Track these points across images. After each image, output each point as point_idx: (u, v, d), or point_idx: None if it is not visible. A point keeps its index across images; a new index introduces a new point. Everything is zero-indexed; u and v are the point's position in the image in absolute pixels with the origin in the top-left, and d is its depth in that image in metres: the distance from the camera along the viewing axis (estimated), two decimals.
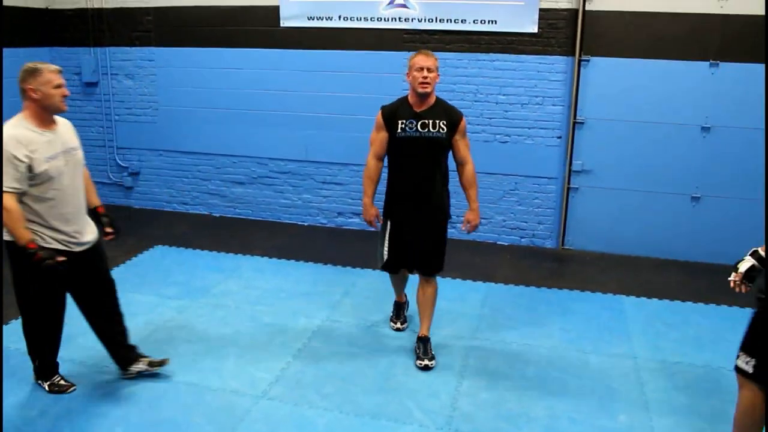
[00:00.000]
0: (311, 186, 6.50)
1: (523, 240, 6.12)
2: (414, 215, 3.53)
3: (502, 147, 5.93)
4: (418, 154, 3.42)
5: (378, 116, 3.48)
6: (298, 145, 6.42)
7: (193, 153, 6.75)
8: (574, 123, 5.73)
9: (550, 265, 5.59)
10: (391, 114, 3.43)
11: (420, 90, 3.34)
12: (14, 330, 3.90)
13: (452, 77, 5.89)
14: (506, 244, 6.11)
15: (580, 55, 5.57)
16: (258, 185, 6.66)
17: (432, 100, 3.44)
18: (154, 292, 4.78)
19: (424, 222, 3.56)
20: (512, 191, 6.02)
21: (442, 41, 5.87)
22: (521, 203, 6.04)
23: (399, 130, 3.40)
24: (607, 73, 5.59)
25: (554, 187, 5.93)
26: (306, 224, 6.53)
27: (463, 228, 3.61)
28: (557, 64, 5.67)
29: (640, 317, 4.54)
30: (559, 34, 5.61)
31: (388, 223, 3.63)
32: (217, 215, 6.83)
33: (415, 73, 3.34)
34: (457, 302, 4.70)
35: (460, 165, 3.54)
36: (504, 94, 5.85)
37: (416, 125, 3.38)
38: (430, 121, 3.38)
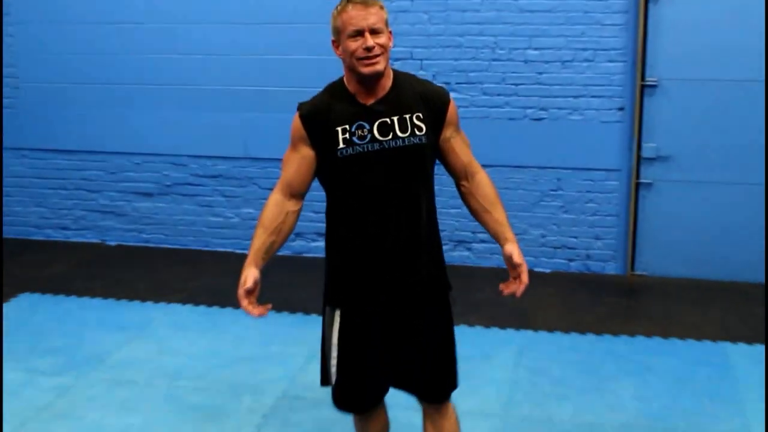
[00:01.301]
0: (254, 195, 6.47)
1: (572, 264, 6.11)
2: (389, 298, 3.02)
3: (537, 127, 5.91)
4: (383, 182, 2.93)
5: (294, 122, 2.98)
6: (233, 134, 6.39)
7: (75, 152, 6.71)
8: (643, 87, 5.72)
9: (615, 301, 5.57)
10: (320, 116, 2.94)
11: (365, 71, 2.86)
12: None
13: (457, 25, 5.89)
14: (548, 270, 6.10)
15: None
16: (174, 197, 6.63)
17: (388, 81, 2.96)
18: (21, 365, 4.68)
19: (411, 308, 3.04)
20: (554, 192, 6.01)
21: None
22: (568, 209, 6.02)
23: (341, 145, 2.90)
24: (689, 10, 5.58)
25: (616, 183, 5.92)
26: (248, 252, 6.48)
27: (508, 289, 2.94)
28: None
29: (756, 374, 4.48)
30: None
31: (336, 315, 3.07)
32: (114, 244, 6.80)
33: (350, 43, 2.85)
34: (480, 362, 4.61)
35: (463, 178, 3.08)
36: (536, 48, 5.84)
37: (370, 130, 2.91)
38: (396, 119, 2.92)
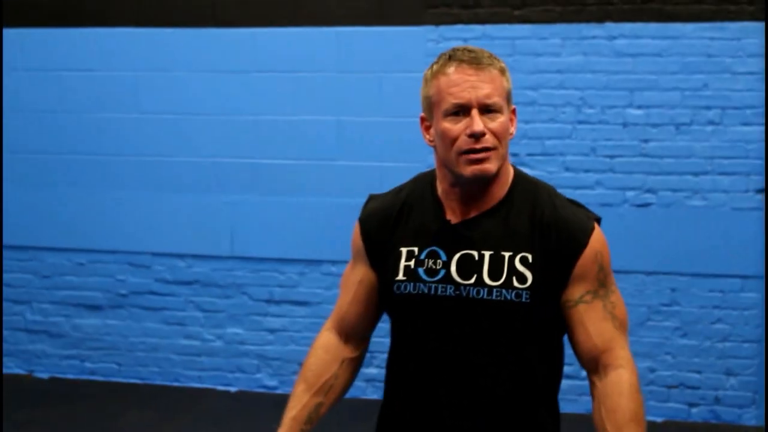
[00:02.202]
0: (243, 309, 6.39)
1: (694, 411, 5.94)
2: None
3: (642, 215, 5.82)
4: (453, 349, 2.70)
5: (354, 227, 2.88)
6: (215, 225, 6.32)
7: None
8: None
9: None
10: (385, 224, 2.79)
11: (467, 171, 2.59)
12: None
13: (529, 75, 5.84)
14: (659, 419, 5.94)
15: None
16: (132, 311, 6.54)
17: (501, 188, 2.71)
18: None
19: None
20: (667, 308, 5.88)
21: (505, 3, 5.83)
22: (687, 332, 5.88)
23: (401, 276, 2.72)
24: None
25: (755, 295, 5.78)
26: (234, 390, 6.42)
27: None
28: (749, 38, 5.59)
29: None
30: None
31: None
32: (45, 376, 6.69)
33: (446, 125, 2.59)
34: None
35: (592, 370, 2.75)
36: (640, 107, 5.77)
37: (446, 263, 2.69)
38: (488, 255, 2.66)
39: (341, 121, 6.05)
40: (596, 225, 2.64)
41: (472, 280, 2.59)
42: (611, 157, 5.80)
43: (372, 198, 2.82)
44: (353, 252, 2.82)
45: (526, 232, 2.60)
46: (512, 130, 2.59)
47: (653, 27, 5.67)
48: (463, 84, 2.51)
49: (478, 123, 2.47)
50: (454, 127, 2.51)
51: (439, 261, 2.63)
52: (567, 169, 5.84)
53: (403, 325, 2.73)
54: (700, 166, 5.72)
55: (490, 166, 2.51)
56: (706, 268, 5.78)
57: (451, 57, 2.55)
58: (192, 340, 6.50)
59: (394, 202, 2.76)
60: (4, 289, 6.68)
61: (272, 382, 6.40)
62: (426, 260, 2.64)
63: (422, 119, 2.65)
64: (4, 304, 6.70)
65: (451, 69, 2.53)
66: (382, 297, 2.76)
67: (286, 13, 6.08)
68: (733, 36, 5.59)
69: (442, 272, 2.62)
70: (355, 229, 2.80)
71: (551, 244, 2.60)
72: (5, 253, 6.61)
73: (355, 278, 2.81)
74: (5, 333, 6.73)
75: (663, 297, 5.85)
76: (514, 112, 2.60)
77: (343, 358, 2.82)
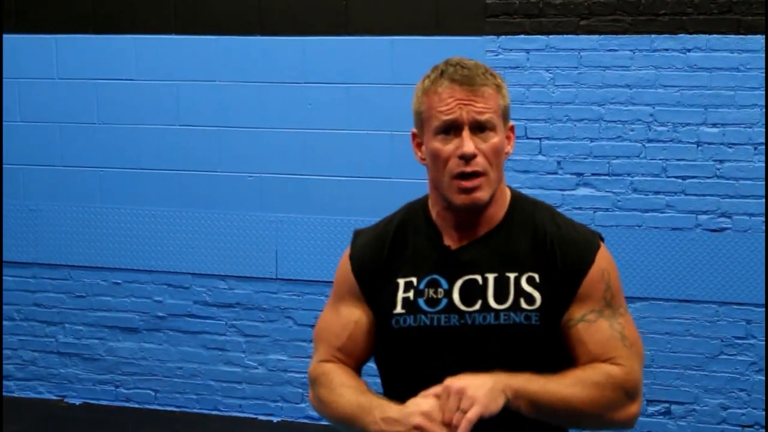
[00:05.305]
0: (288, 335, 6.39)
1: None
2: None
3: (715, 241, 5.76)
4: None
5: (341, 265, 2.82)
6: (258, 244, 6.33)
7: (23, 265, 6.68)
8: None
9: None
10: (378, 258, 2.75)
11: (456, 199, 2.60)
12: None
13: (596, 89, 5.82)
14: None
15: None
16: (170, 334, 6.57)
17: (499, 209, 2.71)
18: None
19: None
20: (741, 341, 5.80)
21: (571, 12, 5.80)
22: (762, 367, 5.79)
23: (399, 309, 2.69)
24: None
25: None
26: (277, 420, 6.44)
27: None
28: None
29: None
30: None
31: None
32: (77, 402, 6.71)
33: (436, 144, 2.59)
34: None
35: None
36: (715, 125, 5.71)
37: (448, 291, 2.66)
38: (492, 278, 2.65)
39: (396, 135, 6.01)
40: (601, 243, 2.63)
41: (477, 306, 2.58)
42: (683, 178, 5.74)
43: (359, 233, 2.79)
44: (341, 292, 2.76)
45: (530, 252, 2.60)
46: (509, 149, 2.59)
47: (731, 39, 5.60)
48: (453, 101, 2.50)
49: (468, 144, 2.47)
50: (445, 147, 2.51)
51: (440, 290, 2.60)
52: (635, 191, 5.79)
53: (403, 360, 2.67)
54: None
55: (482, 195, 2.52)
56: None
57: (444, 73, 2.53)
58: (233, 367, 6.50)
59: (386, 232, 2.74)
60: (36, 309, 6.71)
61: (316, 413, 6.34)
62: (426, 290, 2.60)
63: (413, 135, 2.65)
64: (37, 326, 6.72)
65: (441, 87, 2.52)
66: (378, 333, 2.70)
67: (337, 21, 6.08)
68: None
69: (444, 301, 2.60)
70: (343, 266, 2.75)
71: (557, 263, 2.59)
72: (37, 272, 6.64)
73: (348, 318, 2.72)
74: (36, 356, 6.76)
75: (737, 329, 5.77)
76: (512, 129, 2.60)
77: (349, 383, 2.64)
